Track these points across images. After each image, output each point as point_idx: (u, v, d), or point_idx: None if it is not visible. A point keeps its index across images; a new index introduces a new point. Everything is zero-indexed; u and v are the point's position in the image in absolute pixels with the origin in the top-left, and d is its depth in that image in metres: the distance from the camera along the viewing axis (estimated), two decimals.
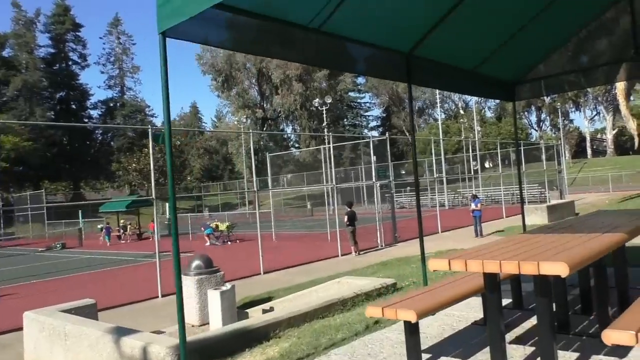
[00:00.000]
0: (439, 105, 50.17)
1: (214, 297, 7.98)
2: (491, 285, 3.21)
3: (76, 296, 11.61)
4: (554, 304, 3.50)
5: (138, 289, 12.54)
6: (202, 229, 23.36)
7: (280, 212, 50.12)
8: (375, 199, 17.56)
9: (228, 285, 8.17)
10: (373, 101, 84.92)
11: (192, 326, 8.70)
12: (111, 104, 68.30)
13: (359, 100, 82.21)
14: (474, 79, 6.39)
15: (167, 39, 3.17)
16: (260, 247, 13.69)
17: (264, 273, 13.54)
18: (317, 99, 43.96)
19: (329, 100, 42.11)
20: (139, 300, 11.15)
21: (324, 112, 42.55)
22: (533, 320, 4.33)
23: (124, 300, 11.19)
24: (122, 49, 69.42)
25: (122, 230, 29.32)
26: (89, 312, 7.48)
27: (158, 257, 11.79)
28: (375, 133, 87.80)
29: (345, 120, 78.39)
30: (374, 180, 17.57)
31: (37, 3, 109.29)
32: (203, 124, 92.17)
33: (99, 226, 31.36)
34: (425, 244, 16.28)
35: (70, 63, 64.51)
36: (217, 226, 23.49)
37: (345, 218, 15.93)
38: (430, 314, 3.52)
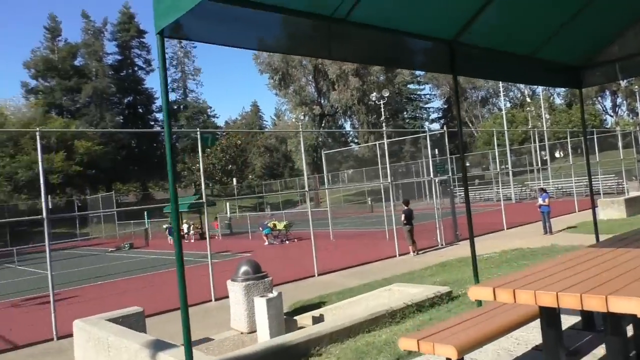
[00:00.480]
0: (502, 94, 47.93)
1: (260, 305, 7.72)
2: (548, 319, 2.65)
3: (131, 301, 11.79)
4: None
5: (191, 291, 12.47)
6: (260, 228, 23.43)
7: (340, 208, 49.92)
8: (434, 195, 16.80)
9: (275, 293, 7.88)
10: (433, 93, 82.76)
11: (241, 333, 8.50)
12: (175, 107, 70.56)
13: (418, 93, 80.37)
14: (531, 65, 5.70)
15: (170, 39, 2.83)
16: (314, 248, 13.36)
17: (318, 275, 13.22)
18: (375, 93, 43.13)
19: (386, 93, 41.15)
20: (192, 304, 11.09)
21: (382, 106, 41.71)
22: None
23: (178, 304, 11.18)
24: (184, 52, 71.62)
25: (184, 230, 30.06)
26: (136, 321, 7.43)
27: (210, 259, 11.69)
28: (436, 125, 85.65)
29: (404, 113, 76.90)
30: (431, 175, 16.81)
31: (104, 12, 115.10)
32: (264, 122, 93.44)
33: (163, 226, 32.32)
34: (488, 242, 15.48)
35: (136, 69, 67.25)
36: (274, 225, 23.47)
37: (402, 217, 15.32)
38: (475, 349, 2.99)
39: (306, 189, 14.34)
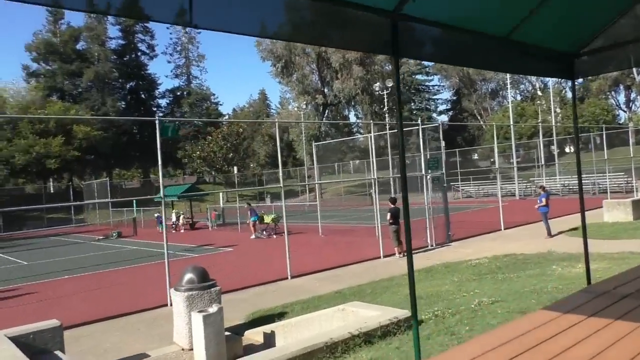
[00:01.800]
0: (509, 85, 46.38)
1: (197, 322, 6.73)
2: None
3: (77, 304, 10.85)
4: None
5: (146, 294, 11.60)
6: (249, 213, 22.41)
7: (342, 200, 48.79)
8: (425, 193, 15.69)
9: (215, 308, 6.88)
10: (442, 84, 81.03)
11: (182, 350, 7.53)
12: (178, 93, 69.63)
13: (426, 84, 78.66)
14: (509, 50, 4.60)
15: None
16: (288, 249, 12.34)
17: (292, 277, 12.23)
18: (378, 83, 41.89)
19: (390, 83, 39.93)
20: (144, 309, 10.15)
21: (385, 96, 40.51)
22: None
23: (130, 307, 10.26)
24: (188, 38, 70.46)
25: (173, 220, 29.21)
26: (52, 337, 6.46)
27: (167, 258, 10.70)
28: (444, 117, 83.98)
29: (411, 104, 75.37)
30: (423, 171, 15.69)
31: None
32: (271, 111, 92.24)
33: (155, 215, 31.50)
34: (482, 245, 14.22)
35: (139, 54, 66.22)
36: (262, 218, 22.50)
37: (388, 216, 14.24)
38: None
39: (280, 182, 13.30)
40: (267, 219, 22.34)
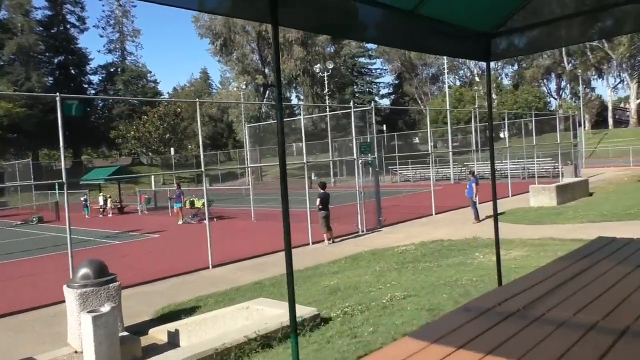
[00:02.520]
0: (446, 70, 47.05)
1: (86, 323, 6.04)
2: None
3: None
4: None
5: (51, 287, 10.57)
6: (175, 198, 21.45)
7: (277, 183, 48.25)
8: (356, 177, 15.39)
9: (107, 307, 6.19)
10: (385, 67, 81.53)
11: (75, 352, 6.82)
12: (112, 69, 66.18)
13: (369, 67, 78.86)
14: (416, 26, 4.17)
15: None
16: (209, 236, 11.70)
17: (213, 267, 11.62)
18: (319, 65, 41.34)
19: (330, 65, 39.49)
20: (42, 305, 9.27)
21: (326, 78, 40.05)
22: None
23: (29, 303, 9.35)
24: (122, 12, 66.88)
25: (101, 204, 27.71)
26: None
27: (70, 248, 9.82)
28: (386, 101, 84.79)
29: (354, 87, 75.38)
30: (355, 156, 15.37)
31: None
32: (213, 90, 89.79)
33: (81, 198, 29.78)
34: (411, 230, 14.10)
35: (68, 26, 62.21)
36: (192, 203, 21.62)
37: (317, 201, 13.84)
38: None
39: (202, 166, 12.59)
40: (198, 203, 21.47)
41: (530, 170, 30.57)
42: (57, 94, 9.18)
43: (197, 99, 13.52)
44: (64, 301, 9.41)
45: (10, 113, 47.27)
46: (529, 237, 11.61)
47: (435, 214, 18.36)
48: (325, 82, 39.78)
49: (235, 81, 51.63)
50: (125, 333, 6.70)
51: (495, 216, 5.21)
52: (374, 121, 15.74)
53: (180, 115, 60.14)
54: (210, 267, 11.59)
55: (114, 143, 60.00)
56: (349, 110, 15.37)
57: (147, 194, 28.83)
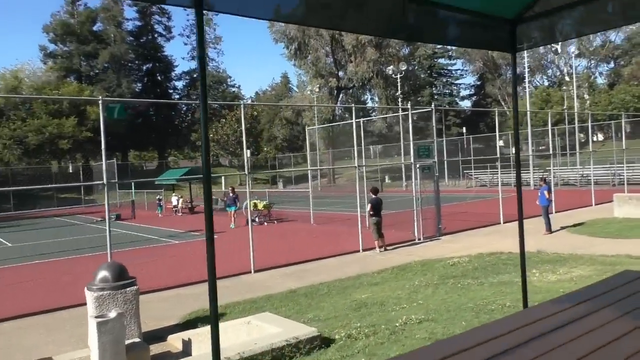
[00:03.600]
0: (526, 68, 44.16)
1: (92, 328, 5.92)
2: None
3: (21, 294, 10.14)
4: None
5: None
6: (225, 200, 21.55)
7: (350, 186, 47.71)
8: (413, 182, 14.57)
9: (114, 313, 6.04)
10: (465, 68, 78.52)
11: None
12: (194, 75, 69.06)
13: (449, 68, 76.30)
14: (430, 15, 3.58)
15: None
16: (252, 242, 11.46)
17: (255, 271, 11.38)
18: (392, 67, 40.45)
19: (403, 67, 38.48)
20: (83, 303, 9.41)
21: (398, 80, 39.11)
22: None
23: (74, 300, 9.55)
24: (206, 20, 69.49)
25: (174, 203, 28.76)
26: None
27: (110, 247, 9.95)
28: (467, 103, 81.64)
29: (432, 88, 73.30)
30: (412, 160, 14.55)
31: None
32: (292, 94, 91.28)
33: (157, 197, 31.13)
34: (473, 240, 13.17)
35: (156, 35, 65.78)
36: (255, 205, 21.68)
37: (368, 207, 13.22)
38: None
39: (246, 170, 12.40)
40: (260, 205, 21.51)
41: (621, 177, 27.85)
42: (100, 97, 9.33)
43: (242, 102, 13.39)
44: None
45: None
46: (602, 254, 10.30)
47: (504, 222, 17.05)
48: (398, 84, 38.77)
49: (309, 84, 51.86)
50: (137, 340, 6.53)
51: (521, 228, 4.41)
52: (434, 123, 14.82)
53: (257, 117, 61.57)
54: (252, 271, 11.36)
55: (196, 145, 62.49)
56: (406, 112, 14.58)
57: (215, 195, 29.47)
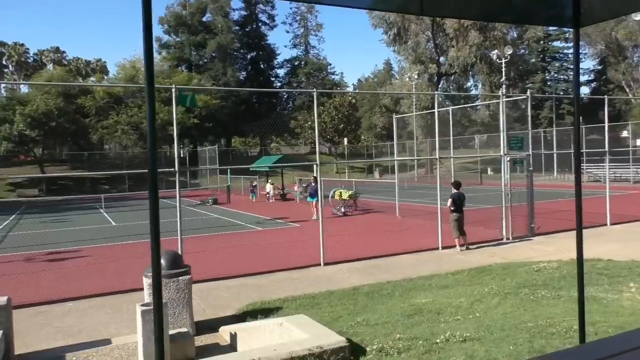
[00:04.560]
0: None
1: (138, 315, 6.00)
2: None
3: (111, 271, 10.71)
4: None
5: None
6: (308, 189, 21.34)
7: (449, 178, 45.86)
8: (502, 176, 13.42)
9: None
10: (584, 52, 71.76)
11: None
12: (295, 63, 70.27)
13: (564, 51, 70.26)
14: None
15: None
16: (322, 234, 11.20)
17: (325, 264, 11.12)
18: (496, 51, 38.02)
19: (509, 51, 35.99)
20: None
21: (503, 65, 36.68)
22: None
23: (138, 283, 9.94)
24: (308, 7, 70.27)
25: (267, 190, 29.48)
26: None
27: (180, 232, 10.19)
28: (585, 89, 74.83)
29: (545, 74, 68.04)
30: (502, 152, 13.38)
31: None
32: (395, 80, 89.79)
33: (253, 184, 32.10)
34: (568, 243, 12.31)
35: (260, 24, 67.68)
36: (340, 194, 21.47)
37: (449, 202, 12.39)
38: None
39: (317, 159, 12.11)
40: (345, 194, 21.24)
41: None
42: (173, 85, 9.52)
43: (314, 89, 13.03)
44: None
45: (207, 105, 53.20)
46: None
47: (611, 224, 15.25)
48: (503, 69, 36.33)
49: (408, 71, 50.41)
50: (184, 329, 6.54)
51: (579, 235, 3.64)
52: (529, 112, 13.47)
53: (355, 105, 61.28)
54: (322, 264, 11.11)
55: (293, 133, 63.74)
56: (505, 100, 13.39)
57: (305, 183, 29.74)
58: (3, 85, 70.86)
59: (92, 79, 71.01)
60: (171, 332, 6.45)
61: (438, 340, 4.63)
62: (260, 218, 21.05)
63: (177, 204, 10.11)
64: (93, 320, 7.95)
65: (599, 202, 18.49)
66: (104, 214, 25.35)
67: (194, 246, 14.27)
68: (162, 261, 7.11)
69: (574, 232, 11.61)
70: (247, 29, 66.72)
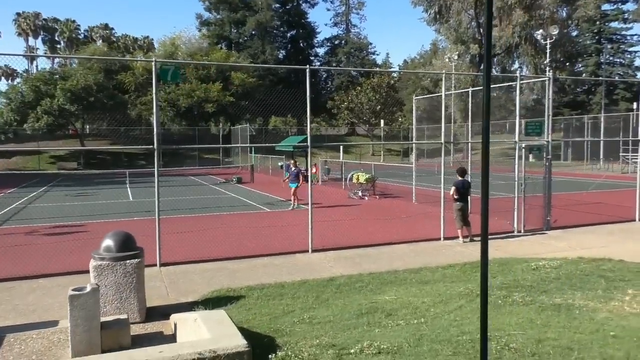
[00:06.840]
0: None
1: (68, 301, 5.69)
2: None
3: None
4: None
5: (170, 248, 10.83)
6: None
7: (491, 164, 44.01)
8: (516, 165, 12.43)
9: (89, 287, 5.74)
10: None
11: None
12: (336, 42, 69.06)
13: (622, 33, 65.84)
14: None
15: None
16: (311, 220, 10.66)
17: (313, 251, 10.62)
18: (541, 31, 35.90)
19: (554, 31, 33.90)
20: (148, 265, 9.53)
21: (548, 46, 34.63)
22: None
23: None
24: None
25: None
26: None
27: (158, 214, 9.88)
28: None
29: (600, 56, 64.08)
30: (516, 138, 12.39)
31: None
32: (435, 61, 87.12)
33: (279, 164, 31.81)
34: (584, 239, 11.79)
35: (300, 1, 66.68)
36: (357, 177, 20.82)
37: (452, 190, 11.59)
38: None
39: (308, 141, 11.51)
40: (362, 178, 20.58)
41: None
42: (154, 58, 9.12)
43: (307, 66, 12.29)
44: (154, 264, 9.56)
45: (244, 83, 53.12)
46: None
47: (639, 219, 14.02)
48: (548, 50, 34.28)
49: (448, 51, 48.50)
50: (122, 317, 6.20)
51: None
52: (550, 96, 12.37)
53: (394, 86, 59.78)
54: (310, 251, 10.61)
55: (330, 113, 62.99)
56: (514, 83, 12.36)
57: (328, 165, 29.17)
58: (44, 58, 73.22)
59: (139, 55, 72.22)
60: (109, 318, 6.14)
61: (352, 351, 4.07)
62: (274, 199, 20.73)
63: (155, 183, 9.76)
64: (53, 299, 7.78)
65: (631, 195, 17.08)
66: (128, 189, 25.67)
67: (189, 226, 14.07)
68: (111, 243, 6.81)
69: (593, 228, 10.67)
70: (287, 7, 65.91)
